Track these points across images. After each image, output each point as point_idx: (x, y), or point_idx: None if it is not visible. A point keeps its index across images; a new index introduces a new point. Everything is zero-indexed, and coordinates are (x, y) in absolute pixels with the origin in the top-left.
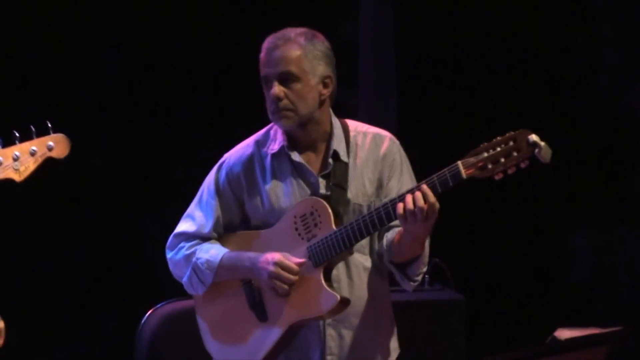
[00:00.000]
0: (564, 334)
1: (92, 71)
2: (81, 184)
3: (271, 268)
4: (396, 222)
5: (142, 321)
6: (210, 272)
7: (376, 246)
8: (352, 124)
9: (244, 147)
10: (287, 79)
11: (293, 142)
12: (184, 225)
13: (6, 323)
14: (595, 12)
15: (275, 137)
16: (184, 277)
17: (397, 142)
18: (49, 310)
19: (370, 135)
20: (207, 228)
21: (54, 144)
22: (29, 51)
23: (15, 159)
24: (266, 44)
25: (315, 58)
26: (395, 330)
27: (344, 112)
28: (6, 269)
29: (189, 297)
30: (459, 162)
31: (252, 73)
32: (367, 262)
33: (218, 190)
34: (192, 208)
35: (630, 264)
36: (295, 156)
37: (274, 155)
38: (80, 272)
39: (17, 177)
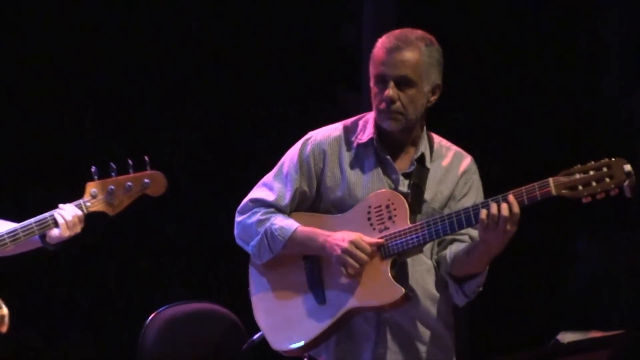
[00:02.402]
0: (566, 337)
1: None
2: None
3: (346, 245)
4: (465, 233)
5: (145, 324)
6: (282, 239)
7: (435, 253)
8: (436, 137)
9: (331, 129)
10: (403, 82)
11: (382, 137)
12: (262, 193)
13: (13, 318)
14: (598, 14)
15: (365, 128)
16: (251, 241)
17: (475, 165)
18: (56, 310)
19: (453, 151)
20: (285, 200)
21: (150, 182)
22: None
23: (111, 193)
24: (386, 43)
25: (431, 65)
26: (453, 336)
27: (346, 114)
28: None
29: (190, 301)
30: (550, 179)
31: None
32: (431, 264)
33: (301, 164)
34: (271, 178)
35: (632, 268)
36: (383, 151)
37: (360, 145)
38: (87, 274)
39: (111, 212)
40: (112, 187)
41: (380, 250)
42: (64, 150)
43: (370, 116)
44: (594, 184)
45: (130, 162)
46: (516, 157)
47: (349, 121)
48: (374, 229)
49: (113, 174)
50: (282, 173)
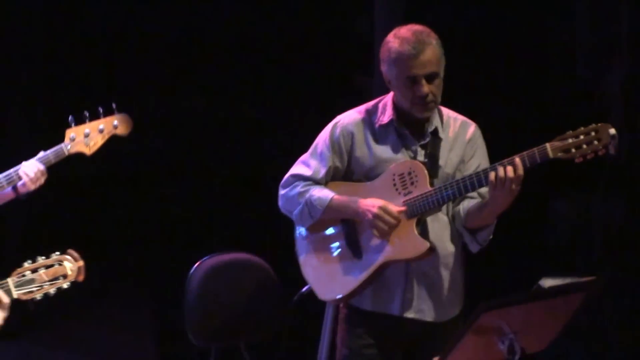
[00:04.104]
0: (547, 282)
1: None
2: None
3: (376, 210)
4: (474, 192)
5: (191, 271)
6: (321, 208)
7: (451, 209)
8: (444, 109)
9: (356, 113)
10: (432, 77)
11: (400, 116)
12: (300, 169)
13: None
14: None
15: (384, 111)
16: (294, 211)
17: (479, 130)
18: (119, 256)
19: (460, 121)
20: (320, 174)
21: (119, 123)
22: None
23: (86, 136)
24: (408, 48)
25: (442, 55)
26: (464, 282)
27: (360, 96)
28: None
29: (229, 252)
30: (547, 144)
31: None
32: (447, 220)
33: (332, 144)
34: (307, 157)
35: (603, 225)
36: (402, 129)
37: (382, 126)
38: (145, 229)
39: (87, 151)
40: (87, 130)
41: (406, 211)
42: (49, 102)
43: (388, 99)
44: (584, 146)
45: (100, 109)
46: (512, 129)
47: (370, 104)
48: (399, 193)
49: (87, 120)
50: (317, 152)
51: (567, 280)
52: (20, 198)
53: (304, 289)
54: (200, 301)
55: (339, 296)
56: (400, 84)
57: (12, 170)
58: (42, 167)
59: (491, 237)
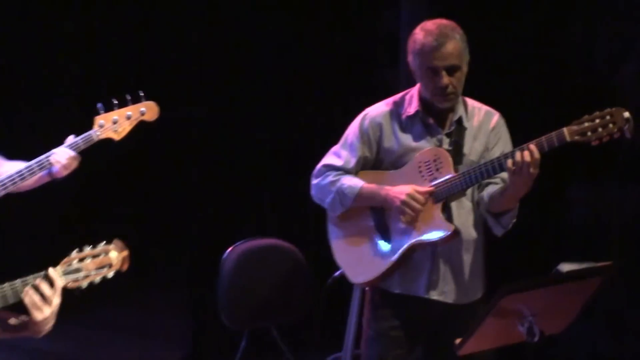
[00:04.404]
0: (565, 267)
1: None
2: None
3: (403, 197)
4: (498, 177)
5: (224, 255)
6: (351, 196)
7: (475, 195)
8: (469, 100)
9: (383, 105)
10: (452, 69)
11: (426, 107)
12: (332, 160)
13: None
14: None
15: (411, 102)
16: (326, 199)
17: (503, 119)
18: (156, 241)
19: (484, 111)
20: (351, 164)
21: (146, 110)
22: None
23: (114, 122)
24: (430, 40)
25: (465, 48)
26: (485, 266)
27: (387, 89)
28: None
29: (261, 237)
30: (564, 128)
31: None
32: (471, 205)
33: (362, 135)
34: (338, 147)
35: (619, 211)
36: (428, 119)
37: (409, 117)
38: (181, 215)
39: (116, 137)
40: (116, 117)
41: (431, 197)
42: (79, 92)
43: (414, 91)
44: (600, 129)
45: (128, 97)
46: (531, 119)
47: (397, 96)
48: (425, 179)
49: (115, 108)
50: (347, 143)
51: (584, 265)
52: (56, 181)
53: (336, 273)
54: (233, 285)
55: (369, 279)
56: (423, 74)
57: (43, 156)
58: (72, 153)
59: (514, 220)
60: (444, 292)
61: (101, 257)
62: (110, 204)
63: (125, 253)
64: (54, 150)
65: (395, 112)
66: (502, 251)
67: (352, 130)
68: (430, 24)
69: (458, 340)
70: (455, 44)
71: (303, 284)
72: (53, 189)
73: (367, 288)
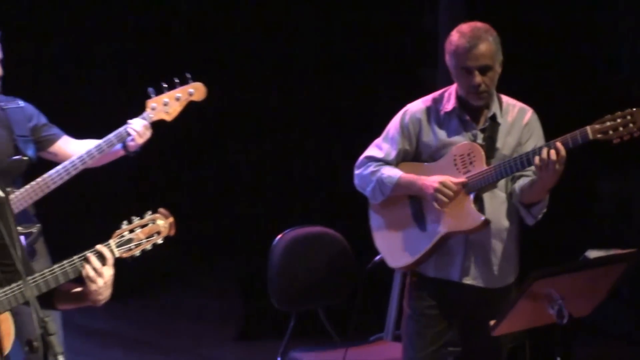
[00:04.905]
0: (592, 254)
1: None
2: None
3: (437, 185)
4: (529, 170)
5: (274, 242)
6: (390, 185)
7: (509, 187)
8: (504, 97)
9: (423, 101)
10: (484, 69)
11: (462, 104)
12: (373, 152)
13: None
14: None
15: (449, 100)
16: (367, 188)
17: (536, 115)
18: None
19: (518, 107)
20: (391, 156)
21: (194, 90)
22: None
23: (165, 104)
24: (464, 41)
25: (498, 50)
26: (518, 254)
27: (425, 86)
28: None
29: (308, 225)
30: (587, 127)
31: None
32: (505, 196)
33: (402, 129)
34: (380, 140)
35: None
36: (464, 115)
37: (446, 113)
38: (235, 204)
39: (168, 118)
40: (166, 100)
41: (464, 188)
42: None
43: (453, 89)
44: (621, 129)
45: (176, 80)
46: (559, 116)
47: (436, 94)
48: (460, 171)
49: (165, 91)
50: (388, 137)
51: (610, 252)
52: (129, 155)
53: (376, 258)
54: (282, 270)
55: (405, 264)
56: (457, 74)
57: (120, 128)
58: (146, 122)
59: (545, 210)
60: (477, 277)
61: (149, 225)
62: (165, 194)
63: (172, 219)
64: (129, 121)
65: (434, 108)
66: (534, 239)
67: (394, 125)
68: (465, 27)
69: (492, 322)
70: (488, 46)
71: (346, 268)
72: (114, 170)
73: (407, 272)
